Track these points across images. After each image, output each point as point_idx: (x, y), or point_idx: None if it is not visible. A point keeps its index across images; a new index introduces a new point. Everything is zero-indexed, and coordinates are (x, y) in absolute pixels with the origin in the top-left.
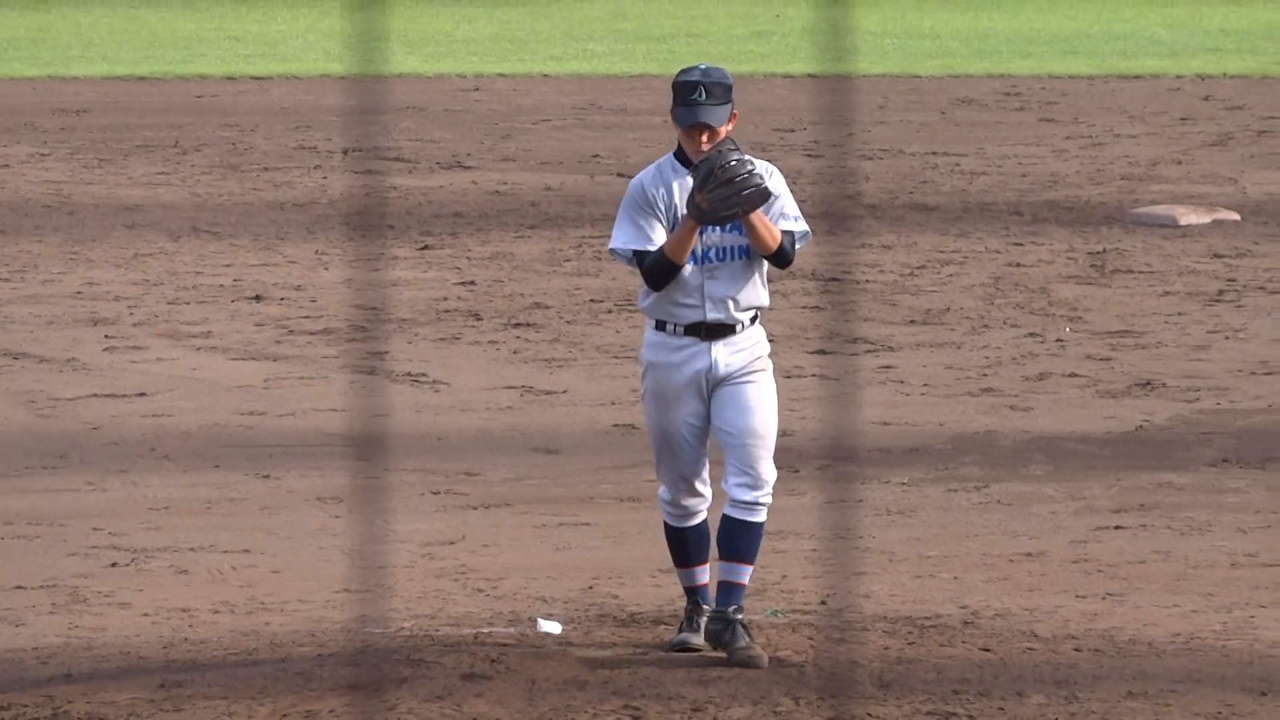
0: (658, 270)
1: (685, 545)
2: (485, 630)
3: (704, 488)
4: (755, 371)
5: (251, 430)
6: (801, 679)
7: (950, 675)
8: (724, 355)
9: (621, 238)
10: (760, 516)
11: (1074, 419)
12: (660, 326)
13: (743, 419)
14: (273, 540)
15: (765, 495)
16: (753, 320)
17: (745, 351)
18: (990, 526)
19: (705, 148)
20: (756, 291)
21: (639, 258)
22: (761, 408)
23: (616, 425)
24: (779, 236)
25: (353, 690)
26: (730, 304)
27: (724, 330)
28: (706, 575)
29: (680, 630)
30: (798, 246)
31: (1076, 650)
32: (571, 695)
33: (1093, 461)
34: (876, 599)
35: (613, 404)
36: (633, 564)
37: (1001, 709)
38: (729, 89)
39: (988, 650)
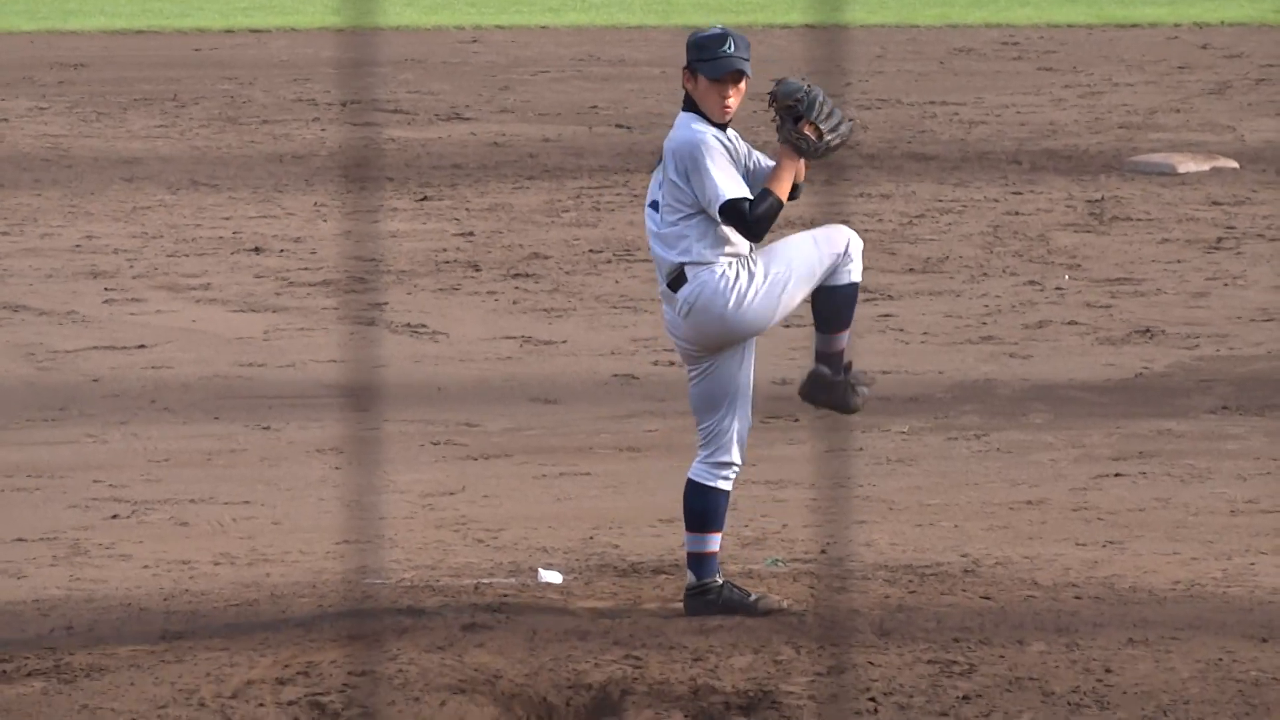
0: (771, 215)
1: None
2: (486, 581)
3: None
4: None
5: (251, 382)
6: (802, 627)
7: (951, 623)
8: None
9: (735, 188)
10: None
11: (1073, 366)
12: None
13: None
14: (273, 492)
15: None
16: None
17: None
18: (990, 475)
19: (731, 104)
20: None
21: (749, 206)
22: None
23: (616, 375)
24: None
25: (353, 641)
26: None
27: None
28: None
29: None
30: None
31: (1077, 598)
32: (572, 645)
33: (1092, 409)
34: (877, 547)
35: (612, 354)
36: (633, 514)
37: (1002, 657)
38: (749, 47)
39: (988, 598)
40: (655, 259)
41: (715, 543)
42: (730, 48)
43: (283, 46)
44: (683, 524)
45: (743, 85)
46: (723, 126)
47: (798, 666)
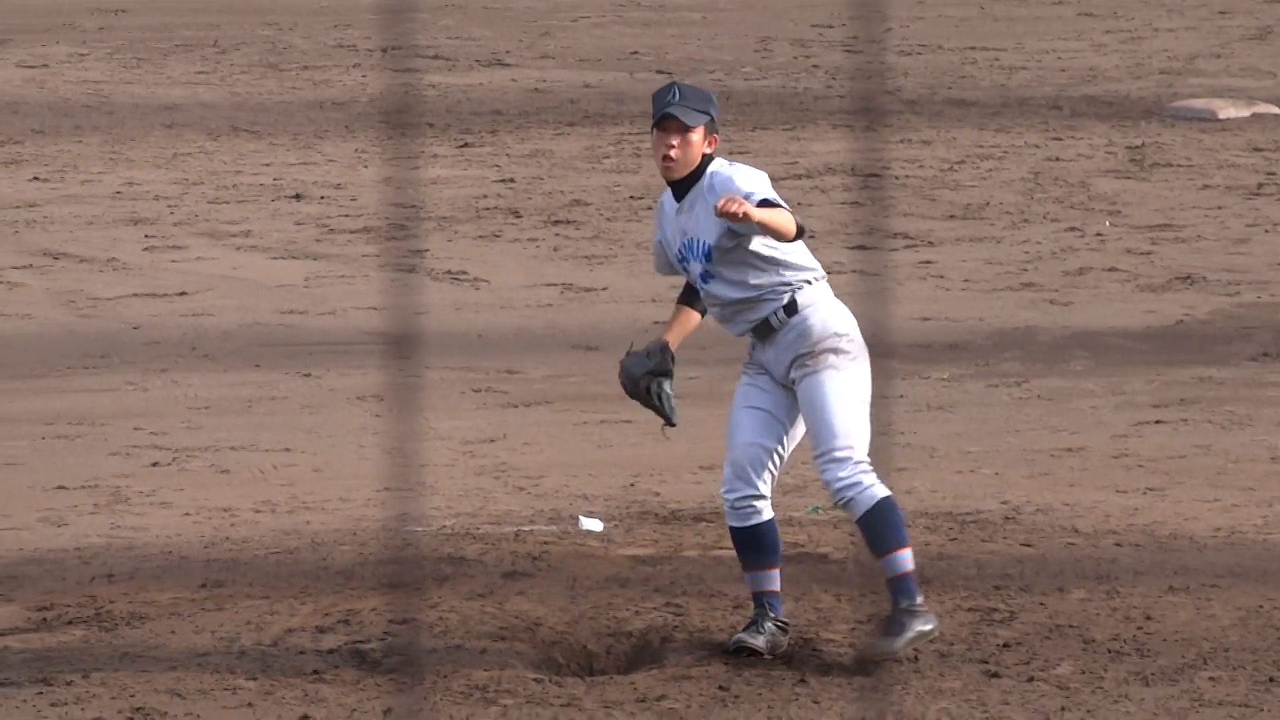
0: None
1: (739, 543)
2: (526, 528)
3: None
4: (810, 366)
5: (292, 329)
6: (842, 575)
7: (991, 570)
8: (771, 356)
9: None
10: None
11: (1114, 313)
12: None
13: (808, 416)
14: (313, 439)
15: (839, 490)
16: (789, 310)
17: (790, 347)
18: (1031, 422)
19: (672, 154)
20: (753, 287)
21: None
22: (817, 406)
23: (657, 322)
24: (782, 215)
25: (394, 589)
26: (734, 320)
27: (759, 333)
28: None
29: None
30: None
31: (1117, 545)
32: (613, 593)
33: (1133, 356)
34: (917, 495)
35: (653, 301)
36: (674, 461)
37: (1043, 604)
38: (707, 101)
39: (1029, 545)
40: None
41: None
42: (673, 96)
43: None
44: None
45: (691, 135)
46: (673, 185)
47: (838, 614)
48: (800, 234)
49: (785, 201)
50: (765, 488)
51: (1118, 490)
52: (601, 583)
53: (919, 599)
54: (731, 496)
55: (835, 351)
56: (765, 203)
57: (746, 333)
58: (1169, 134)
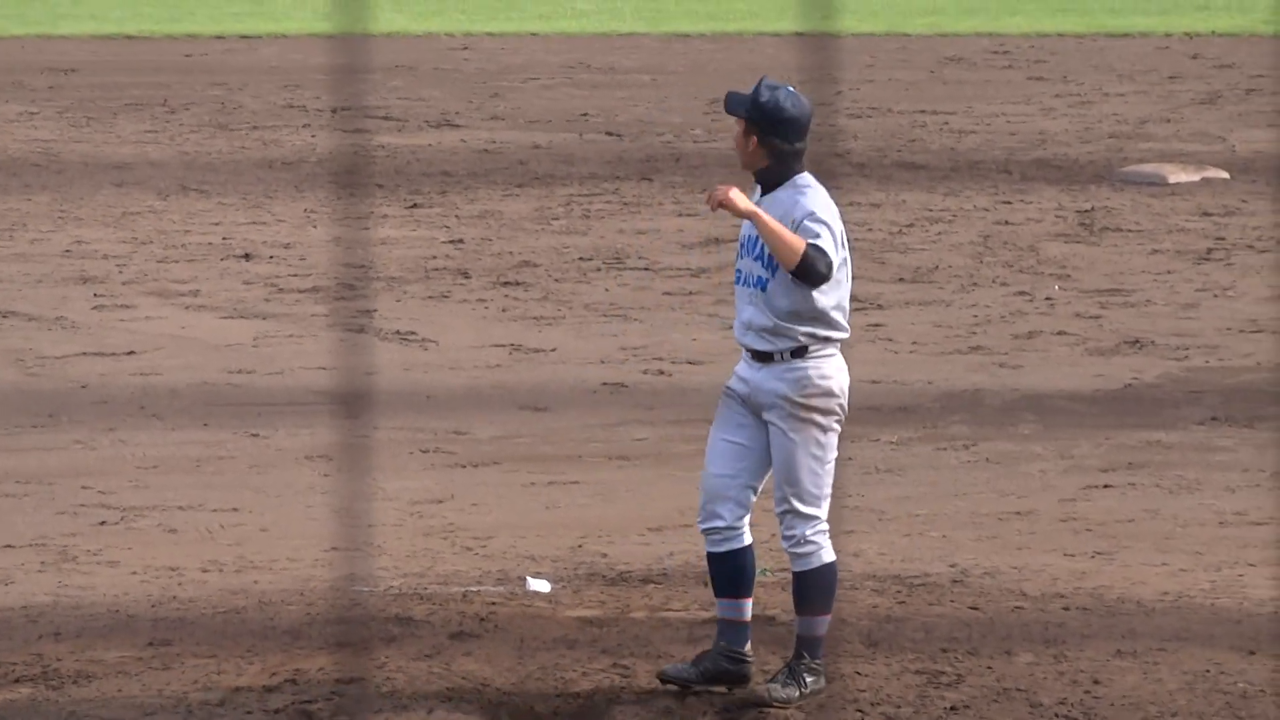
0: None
1: (710, 568)
2: (474, 589)
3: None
4: (792, 418)
5: (240, 388)
6: (790, 638)
7: (939, 634)
8: (754, 379)
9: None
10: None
11: (1063, 377)
12: None
13: (782, 465)
14: (261, 498)
15: (793, 543)
16: (796, 353)
17: (782, 380)
18: (979, 485)
19: (734, 139)
20: (775, 321)
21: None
22: (795, 461)
23: (605, 384)
24: (798, 245)
25: (341, 648)
26: (748, 329)
27: (758, 356)
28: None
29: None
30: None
31: (1065, 609)
32: (561, 654)
33: (1082, 420)
34: (865, 557)
35: (601, 362)
36: (621, 523)
37: (990, 667)
38: (759, 102)
39: (976, 609)
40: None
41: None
42: (746, 92)
43: (273, 53)
44: (672, 533)
45: (736, 124)
46: (759, 184)
47: None
48: (806, 276)
49: (833, 253)
50: (734, 519)
51: (1065, 554)
52: (549, 644)
53: (820, 660)
54: (702, 526)
55: (825, 413)
56: (810, 233)
57: (746, 347)
58: (1118, 198)
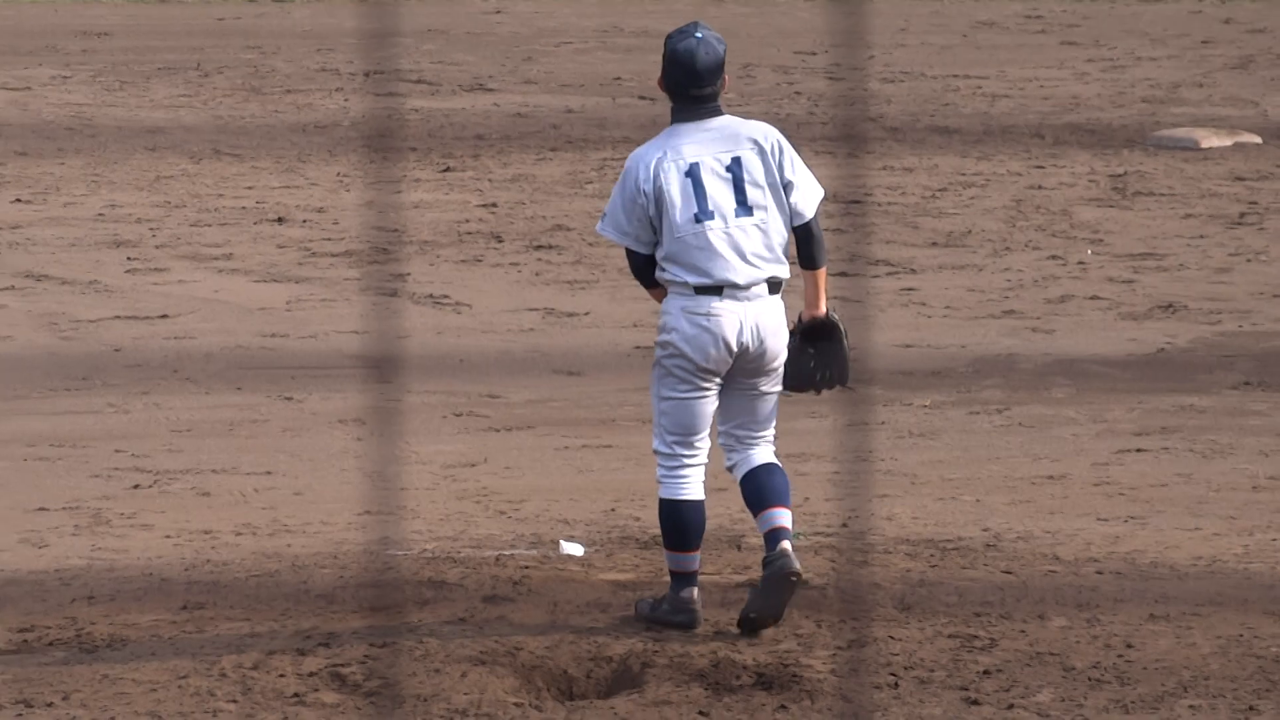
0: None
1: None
2: (507, 552)
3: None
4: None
5: (273, 352)
6: (823, 602)
7: (972, 598)
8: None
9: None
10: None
11: (1096, 341)
12: None
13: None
14: (295, 462)
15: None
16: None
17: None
18: (1012, 449)
19: None
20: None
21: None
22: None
23: (638, 347)
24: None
25: (375, 612)
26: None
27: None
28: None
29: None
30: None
31: (1098, 573)
32: (594, 617)
33: (1114, 384)
34: (898, 522)
35: (634, 326)
36: (655, 486)
37: (1023, 632)
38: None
39: (1009, 573)
40: (753, 268)
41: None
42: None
43: (306, 16)
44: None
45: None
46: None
47: (819, 640)
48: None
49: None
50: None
51: (1099, 518)
52: (582, 607)
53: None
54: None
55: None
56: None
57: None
58: (1151, 163)
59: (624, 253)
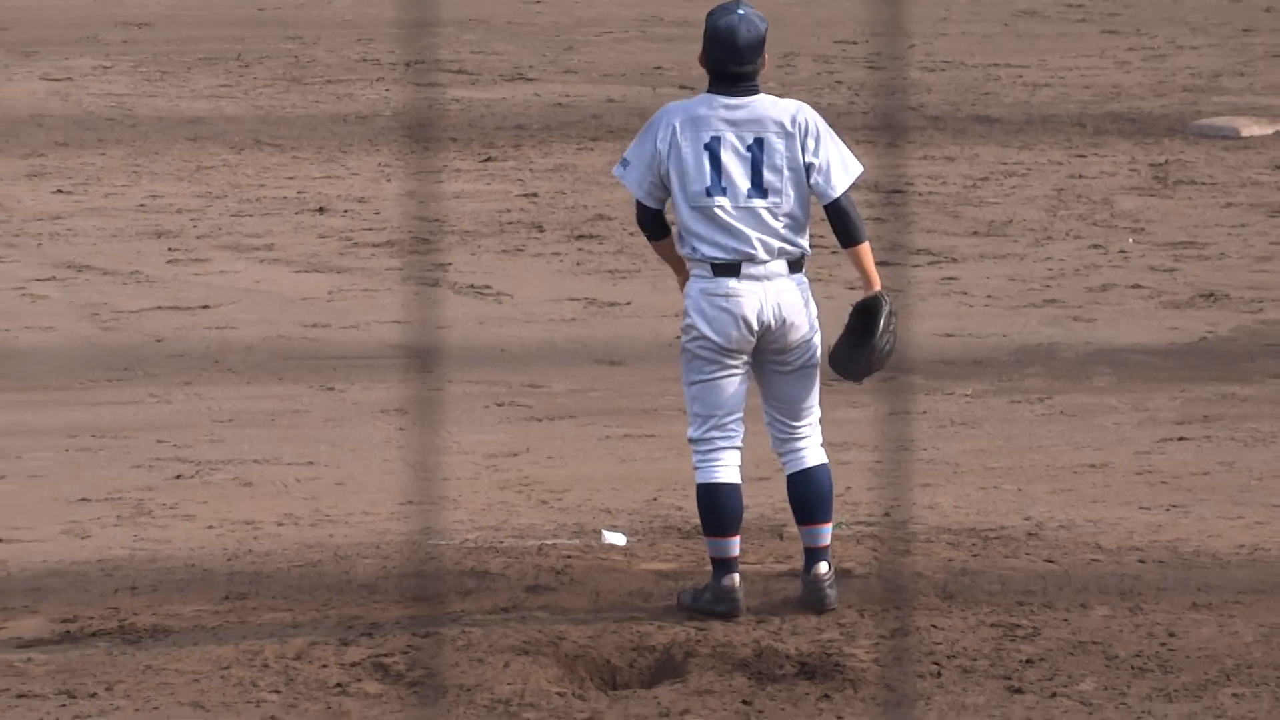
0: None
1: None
2: (549, 542)
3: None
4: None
5: (315, 342)
6: (866, 591)
7: (1014, 587)
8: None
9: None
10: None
11: (1137, 330)
12: None
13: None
14: (337, 452)
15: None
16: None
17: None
18: (1054, 438)
19: None
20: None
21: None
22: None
23: (679, 337)
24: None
25: (417, 602)
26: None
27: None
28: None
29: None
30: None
31: (1141, 562)
32: (636, 607)
33: (1156, 373)
34: (940, 510)
35: (676, 315)
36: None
37: (1066, 620)
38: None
39: (1052, 562)
40: (767, 245)
41: None
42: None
43: (346, 6)
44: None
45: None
46: None
47: (861, 630)
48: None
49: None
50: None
51: (1141, 507)
52: (625, 597)
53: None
54: None
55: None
56: None
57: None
58: (1192, 151)
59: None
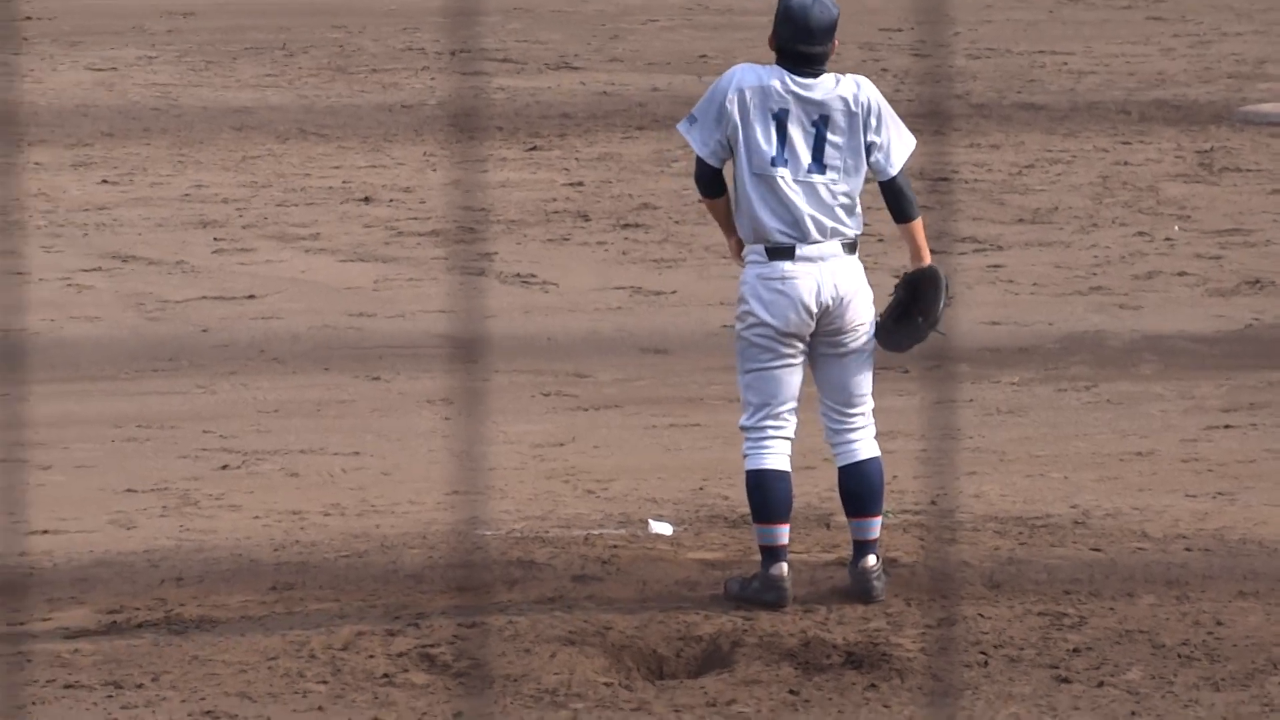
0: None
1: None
2: (596, 532)
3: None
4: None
5: (361, 332)
6: (912, 580)
7: (1061, 575)
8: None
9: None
10: None
11: (1183, 318)
12: None
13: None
14: (382, 442)
15: None
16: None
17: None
18: (1100, 426)
19: None
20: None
21: None
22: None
23: (725, 325)
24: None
25: (463, 592)
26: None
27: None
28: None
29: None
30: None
31: (1187, 550)
32: (683, 597)
33: (1202, 360)
34: (987, 499)
35: (722, 304)
36: (743, 466)
37: (1112, 609)
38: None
39: (1098, 550)
40: (819, 224)
41: None
42: None
43: None
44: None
45: None
46: None
47: (908, 619)
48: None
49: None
50: None
51: (1187, 495)
52: (671, 586)
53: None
54: None
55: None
56: None
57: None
58: (1238, 138)
59: (710, 226)
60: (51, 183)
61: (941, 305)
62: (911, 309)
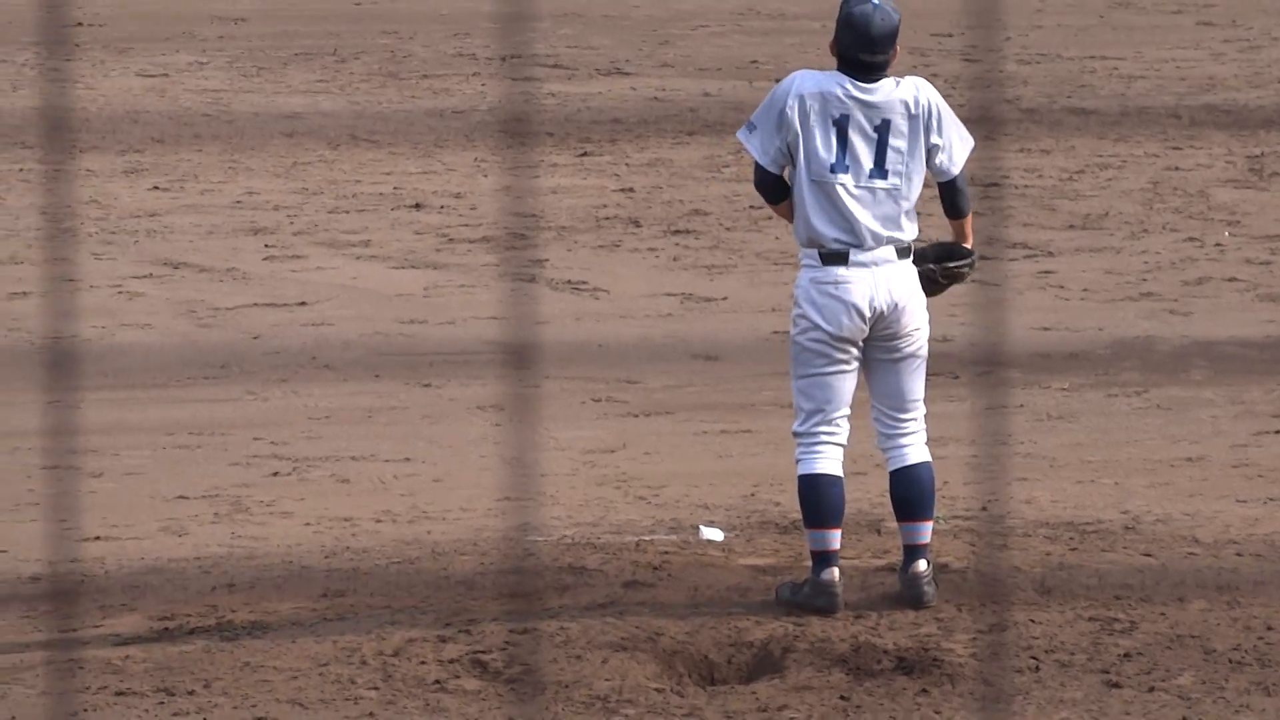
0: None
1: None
2: (647, 538)
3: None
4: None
5: (412, 339)
6: (963, 585)
7: (1112, 581)
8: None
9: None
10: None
11: (1233, 323)
12: None
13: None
14: (434, 449)
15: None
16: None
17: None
18: (1150, 431)
19: None
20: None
21: None
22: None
23: (776, 331)
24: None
25: (515, 598)
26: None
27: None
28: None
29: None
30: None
31: (1238, 555)
32: (734, 603)
33: (1253, 365)
34: (1037, 505)
35: (773, 310)
36: (794, 470)
37: (1163, 614)
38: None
39: (1149, 555)
40: (875, 233)
41: None
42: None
43: (443, 0)
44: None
45: None
46: None
47: (959, 624)
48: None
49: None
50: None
51: (1238, 500)
52: (723, 592)
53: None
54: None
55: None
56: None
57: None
58: None
59: (760, 232)
60: (103, 189)
61: (963, 264)
62: (933, 265)
